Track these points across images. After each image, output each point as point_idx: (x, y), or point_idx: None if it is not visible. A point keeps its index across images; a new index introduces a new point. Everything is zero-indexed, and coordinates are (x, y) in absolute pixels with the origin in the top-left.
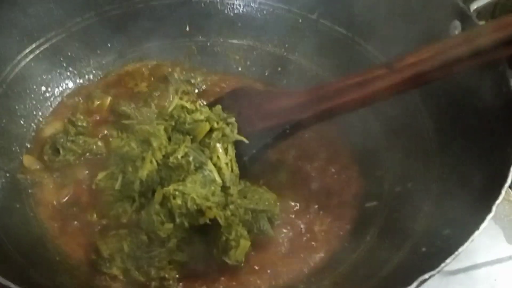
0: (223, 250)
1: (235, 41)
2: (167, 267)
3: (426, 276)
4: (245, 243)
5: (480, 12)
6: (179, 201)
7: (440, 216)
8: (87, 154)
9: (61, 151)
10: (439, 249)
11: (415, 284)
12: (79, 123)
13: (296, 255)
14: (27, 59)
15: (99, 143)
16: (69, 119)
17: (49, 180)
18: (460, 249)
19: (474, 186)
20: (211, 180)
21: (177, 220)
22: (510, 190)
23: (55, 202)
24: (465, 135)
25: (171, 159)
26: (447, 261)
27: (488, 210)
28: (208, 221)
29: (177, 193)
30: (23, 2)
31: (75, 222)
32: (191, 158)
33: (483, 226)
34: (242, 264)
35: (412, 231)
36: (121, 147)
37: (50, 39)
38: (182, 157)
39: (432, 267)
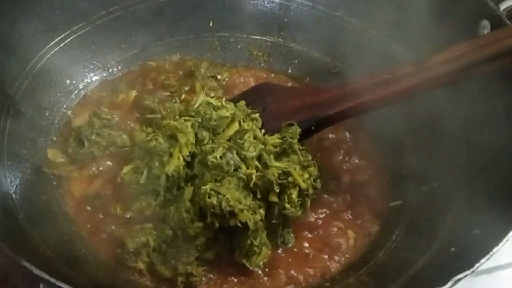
0: (246, 254)
1: (258, 37)
2: (194, 263)
3: (461, 275)
4: (266, 252)
5: (510, 12)
6: (214, 201)
7: (468, 216)
8: (112, 147)
9: (85, 144)
10: (469, 249)
11: (450, 283)
12: (104, 116)
13: (322, 254)
14: (52, 52)
15: (124, 136)
16: (94, 111)
17: (74, 172)
18: (494, 250)
19: (503, 186)
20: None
21: (208, 219)
22: None
23: (80, 195)
24: (494, 135)
25: (210, 157)
26: (482, 261)
27: None
28: (239, 224)
29: (213, 192)
30: None
31: (100, 215)
32: (230, 160)
33: None
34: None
35: (440, 231)
36: (147, 141)
37: (75, 32)
38: (221, 157)
39: (463, 267)
